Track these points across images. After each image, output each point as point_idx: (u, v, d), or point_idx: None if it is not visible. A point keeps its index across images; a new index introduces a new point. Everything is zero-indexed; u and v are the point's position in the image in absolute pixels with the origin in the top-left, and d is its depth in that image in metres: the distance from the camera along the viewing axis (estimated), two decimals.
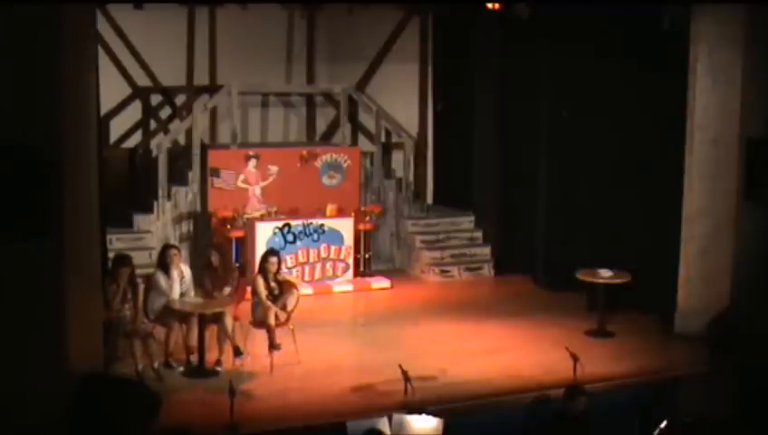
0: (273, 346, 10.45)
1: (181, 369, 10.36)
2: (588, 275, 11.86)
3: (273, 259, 10.79)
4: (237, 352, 10.41)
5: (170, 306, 10.38)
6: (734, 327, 11.07)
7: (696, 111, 11.48)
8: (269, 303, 10.59)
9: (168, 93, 14.87)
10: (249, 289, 11.04)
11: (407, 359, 9.62)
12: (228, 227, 13.37)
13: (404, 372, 8.94)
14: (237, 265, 12.75)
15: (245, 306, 10.90)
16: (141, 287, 10.35)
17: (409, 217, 15.01)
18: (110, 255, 10.82)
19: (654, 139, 12.29)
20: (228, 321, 10.41)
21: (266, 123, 15.32)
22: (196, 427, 8.81)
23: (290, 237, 13.69)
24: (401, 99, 15.68)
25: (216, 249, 11.33)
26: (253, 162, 13.85)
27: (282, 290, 10.75)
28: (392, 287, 13.92)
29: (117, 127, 14.54)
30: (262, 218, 13.64)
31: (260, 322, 10.60)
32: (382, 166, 15.03)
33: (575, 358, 9.36)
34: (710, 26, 11.33)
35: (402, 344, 11.22)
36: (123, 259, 10.30)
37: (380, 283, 14.02)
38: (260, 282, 10.66)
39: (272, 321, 10.50)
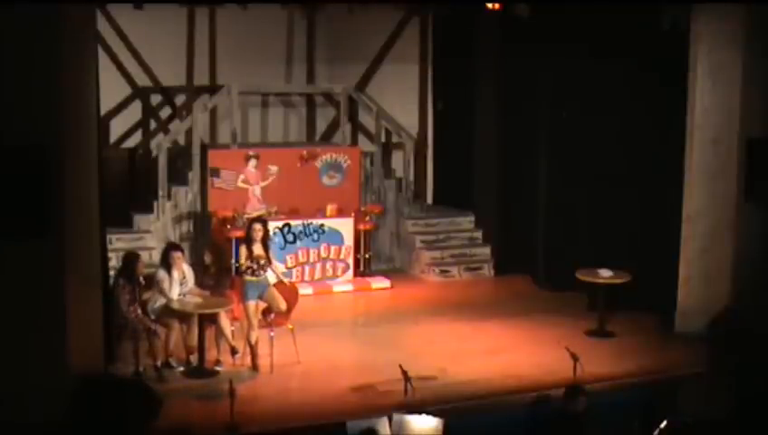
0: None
1: (181, 369, 10.37)
2: (588, 275, 11.85)
3: (258, 226, 10.66)
4: (233, 352, 10.50)
5: (170, 306, 10.40)
6: (734, 327, 11.07)
7: (696, 111, 11.47)
8: (247, 276, 10.45)
9: (168, 93, 14.87)
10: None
11: (407, 359, 9.62)
12: (228, 227, 13.36)
13: (404, 372, 8.92)
14: (236, 265, 12.73)
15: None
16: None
17: (409, 217, 15.00)
18: (110, 255, 10.82)
19: (654, 139, 12.28)
20: (223, 321, 10.44)
21: (266, 123, 15.31)
22: (196, 427, 8.82)
23: (290, 237, 13.69)
24: (401, 99, 15.67)
25: (210, 249, 11.35)
26: (253, 162, 13.84)
27: (269, 260, 10.65)
28: (392, 287, 13.91)
29: (117, 127, 14.54)
30: None
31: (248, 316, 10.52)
32: (382, 166, 15.03)
33: (575, 358, 9.36)
34: (710, 26, 11.33)
35: (402, 344, 11.22)
36: (134, 256, 10.40)
37: (380, 283, 14.02)
38: (242, 251, 10.58)
39: (253, 318, 10.42)
